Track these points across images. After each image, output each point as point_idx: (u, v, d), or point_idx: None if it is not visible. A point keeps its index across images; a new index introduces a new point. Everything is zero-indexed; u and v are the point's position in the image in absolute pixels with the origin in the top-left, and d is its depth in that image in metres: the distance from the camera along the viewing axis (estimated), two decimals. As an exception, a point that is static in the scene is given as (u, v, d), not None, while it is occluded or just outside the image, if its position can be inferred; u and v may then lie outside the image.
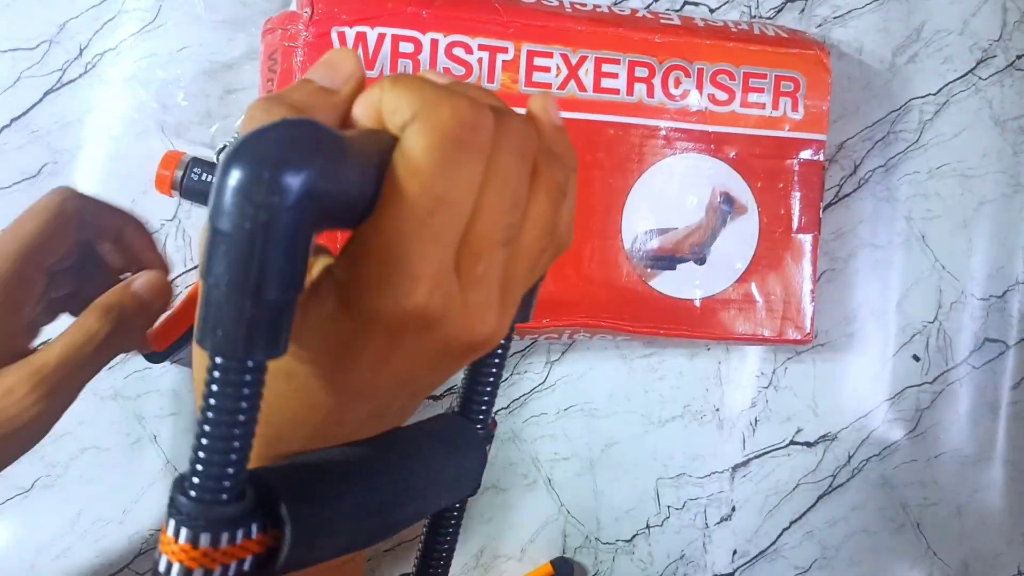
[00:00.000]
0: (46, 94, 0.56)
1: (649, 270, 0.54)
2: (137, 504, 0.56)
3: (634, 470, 0.60)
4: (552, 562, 0.58)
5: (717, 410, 0.60)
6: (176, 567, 0.21)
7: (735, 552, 0.61)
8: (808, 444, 0.61)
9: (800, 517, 0.61)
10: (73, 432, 0.56)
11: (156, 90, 0.57)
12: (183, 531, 0.20)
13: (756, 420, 0.61)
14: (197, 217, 0.57)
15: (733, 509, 0.61)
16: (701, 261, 0.54)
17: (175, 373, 0.56)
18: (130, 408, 0.56)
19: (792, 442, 0.61)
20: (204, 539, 0.21)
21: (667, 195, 0.54)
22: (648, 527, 0.60)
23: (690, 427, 0.60)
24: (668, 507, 0.60)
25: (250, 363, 0.20)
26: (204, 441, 0.20)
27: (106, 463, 0.56)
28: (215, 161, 0.55)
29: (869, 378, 0.61)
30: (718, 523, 0.60)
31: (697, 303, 0.54)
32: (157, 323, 0.54)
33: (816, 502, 0.61)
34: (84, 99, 0.56)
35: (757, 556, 0.61)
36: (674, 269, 0.54)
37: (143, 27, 0.56)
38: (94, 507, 0.55)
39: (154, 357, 0.54)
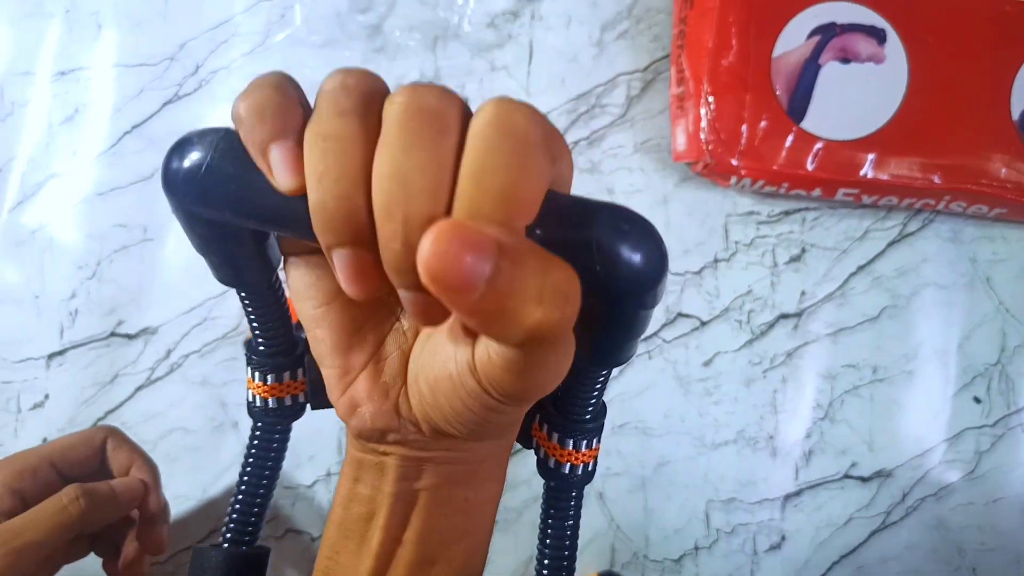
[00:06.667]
0: (163, 105, 0.62)
1: None
2: (214, 485, 0.61)
3: (685, 491, 0.61)
4: (600, 574, 0.60)
5: (771, 438, 0.61)
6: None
7: (783, 581, 0.61)
8: (863, 479, 0.61)
9: (851, 552, 0.61)
10: (164, 413, 0.61)
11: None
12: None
13: (810, 451, 0.61)
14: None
15: (783, 538, 0.61)
16: None
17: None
18: (216, 394, 0.61)
19: (846, 475, 0.61)
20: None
21: None
22: (696, 549, 0.61)
23: (743, 453, 0.61)
24: (717, 530, 0.61)
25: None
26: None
27: (191, 444, 0.61)
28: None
29: (928, 416, 0.61)
30: (767, 551, 0.61)
31: None
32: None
33: (868, 538, 0.61)
34: (196, 111, 0.62)
35: (805, 587, 0.61)
36: None
37: (253, 48, 0.62)
38: (176, 483, 0.59)
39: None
